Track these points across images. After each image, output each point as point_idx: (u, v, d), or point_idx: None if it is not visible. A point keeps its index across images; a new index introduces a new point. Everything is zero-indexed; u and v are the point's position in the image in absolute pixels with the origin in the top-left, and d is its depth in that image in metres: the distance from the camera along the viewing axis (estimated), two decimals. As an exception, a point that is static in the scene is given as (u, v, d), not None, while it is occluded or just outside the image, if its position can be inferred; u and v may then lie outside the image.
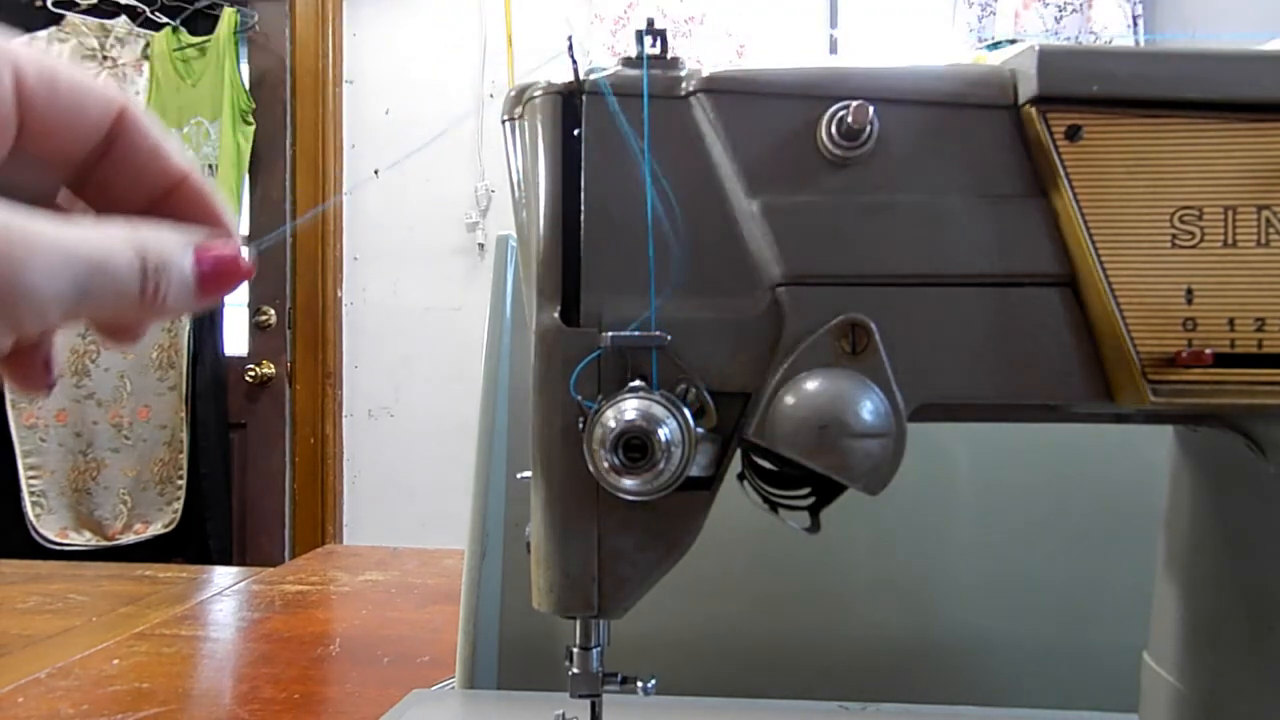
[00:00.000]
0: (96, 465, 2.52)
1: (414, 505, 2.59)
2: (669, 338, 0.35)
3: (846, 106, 0.35)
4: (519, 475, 0.46)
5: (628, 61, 0.37)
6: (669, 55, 0.37)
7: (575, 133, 0.37)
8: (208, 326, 2.55)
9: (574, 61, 0.36)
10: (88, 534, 2.53)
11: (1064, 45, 0.35)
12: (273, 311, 2.61)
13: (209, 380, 2.55)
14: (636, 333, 0.35)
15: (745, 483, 0.41)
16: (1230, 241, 0.34)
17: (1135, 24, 2.21)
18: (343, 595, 1.01)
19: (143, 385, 2.50)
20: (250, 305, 2.63)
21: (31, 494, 2.46)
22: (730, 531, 0.54)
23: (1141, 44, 2.08)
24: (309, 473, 2.62)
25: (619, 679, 0.41)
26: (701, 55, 2.36)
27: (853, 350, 0.35)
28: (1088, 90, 0.34)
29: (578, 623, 0.40)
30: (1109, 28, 2.18)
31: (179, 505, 2.56)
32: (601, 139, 0.37)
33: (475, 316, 2.54)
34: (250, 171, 2.56)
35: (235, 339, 2.64)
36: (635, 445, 0.34)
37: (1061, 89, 0.34)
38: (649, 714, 0.57)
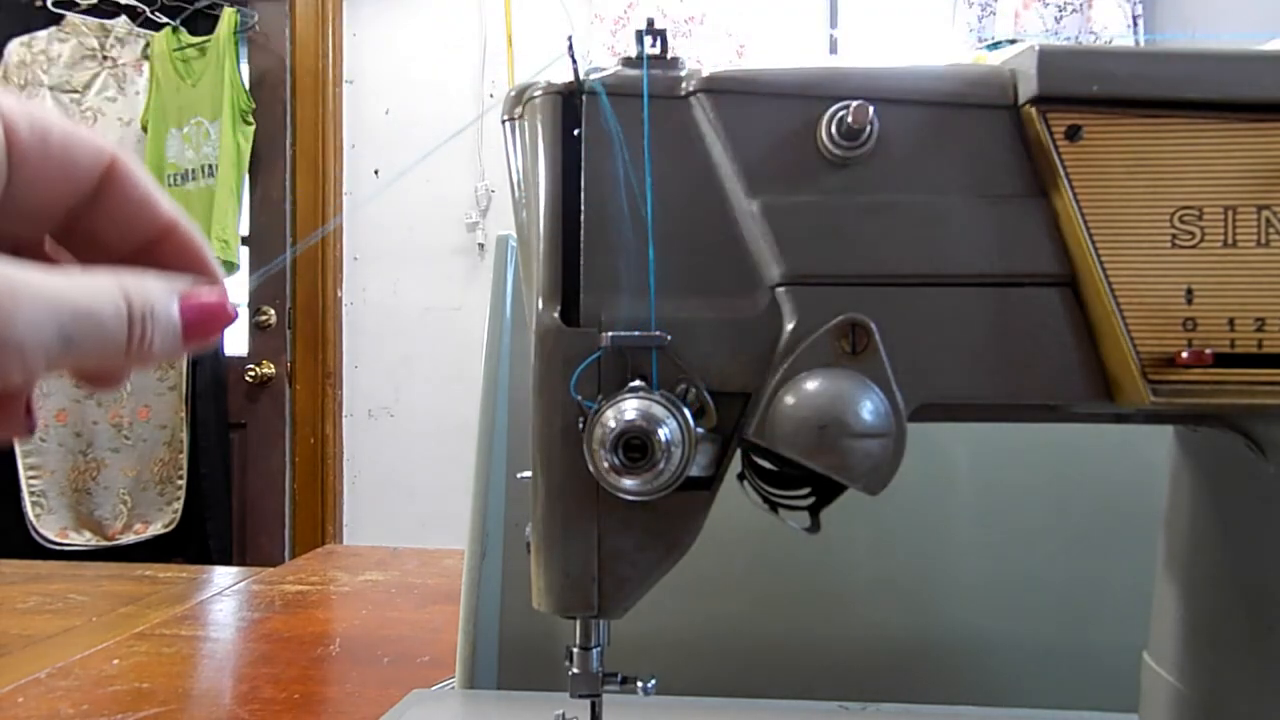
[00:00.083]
0: (96, 465, 2.52)
1: (414, 505, 2.59)
2: (669, 338, 0.35)
3: (846, 106, 0.35)
4: (519, 475, 0.46)
5: (628, 61, 0.37)
6: (669, 55, 0.37)
7: (575, 133, 0.37)
8: (208, 327, 2.55)
9: (574, 61, 0.37)
10: (88, 534, 2.53)
11: (1064, 45, 0.35)
12: (273, 311, 2.61)
13: (209, 380, 2.55)
14: (636, 333, 0.35)
15: (745, 483, 0.41)
16: (1230, 241, 0.34)
17: (1135, 24, 2.21)
18: (343, 595, 1.01)
19: (142, 385, 2.50)
20: (250, 305, 2.63)
21: (31, 494, 2.46)
22: (730, 531, 0.54)
23: (1141, 44, 2.08)
24: (309, 473, 2.62)
25: (619, 679, 0.41)
26: (701, 55, 2.36)
27: (853, 350, 0.35)
28: (1088, 90, 0.34)
29: (578, 623, 0.40)
30: (1109, 28, 2.18)
31: (179, 505, 2.56)
32: (601, 139, 0.37)
33: (475, 316, 2.54)
34: (250, 171, 2.56)
35: (235, 339, 2.64)
36: (635, 445, 0.34)
37: (1061, 89, 0.34)
38: (649, 714, 0.57)
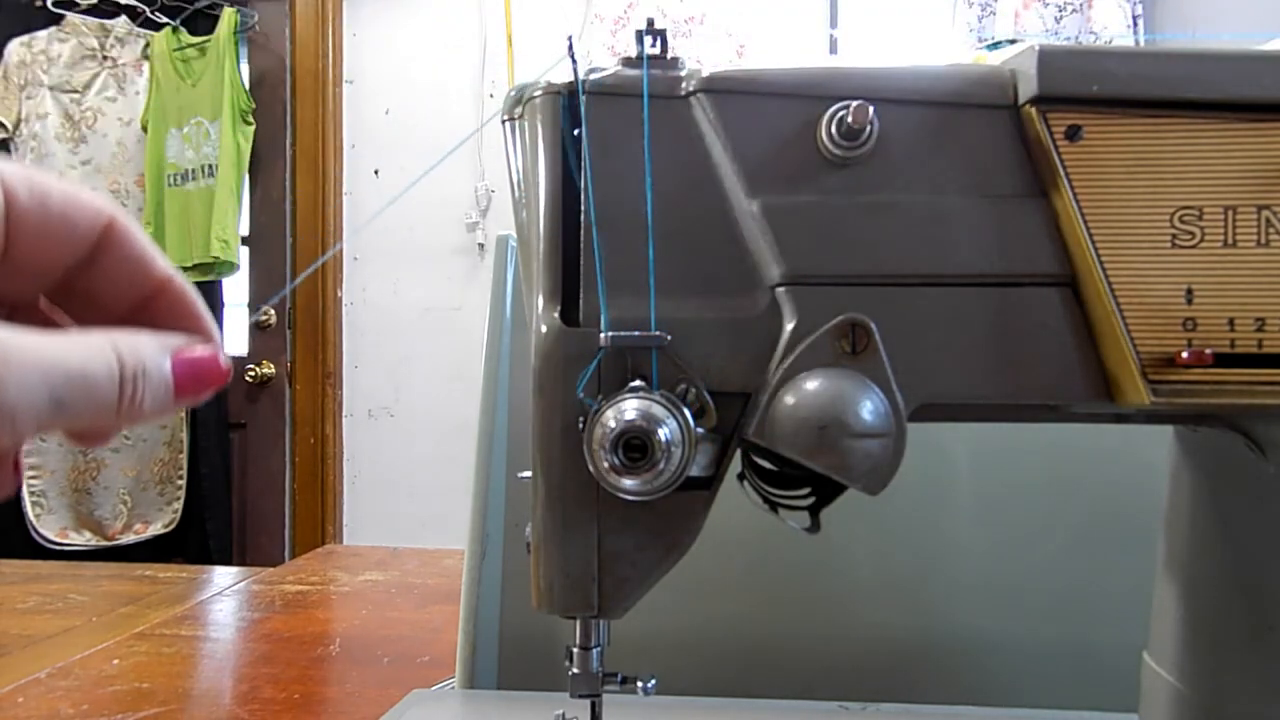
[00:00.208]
0: (96, 465, 2.52)
1: (414, 505, 2.59)
2: (669, 338, 0.35)
3: (846, 106, 0.35)
4: (519, 475, 0.46)
5: (628, 61, 0.37)
6: (669, 55, 0.37)
7: (575, 133, 0.37)
8: (208, 326, 2.55)
9: (574, 62, 0.37)
10: (88, 534, 2.53)
11: (1064, 45, 0.35)
12: (273, 311, 2.61)
13: (209, 380, 2.54)
14: (636, 333, 0.35)
15: (745, 483, 0.41)
16: (1230, 241, 0.34)
17: (1135, 24, 2.21)
18: (343, 595, 1.01)
19: (143, 385, 2.50)
20: (250, 305, 2.63)
21: (31, 494, 2.46)
22: (730, 531, 0.54)
23: (1141, 44, 2.08)
24: (309, 473, 2.62)
25: (619, 679, 0.41)
26: (701, 55, 2.36)
27: (853, 350, 0.35)
28: (1088, 90, 0.34)
29: (578, 623, 0.40)
30: (1109, 28, 2.18)
31: (179, 505, 2.56)
32: (601, 139, 0.37)
33: (475, 316, 2.54)
34: (250, 171, 2.56)
35: (235, 339, 2.64)
36: (635, 445, 0.34)
37: (1061, 89, 0.34)
38: (649, 714, 0.57)
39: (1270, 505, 0.37)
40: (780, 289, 0.36)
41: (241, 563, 2.55)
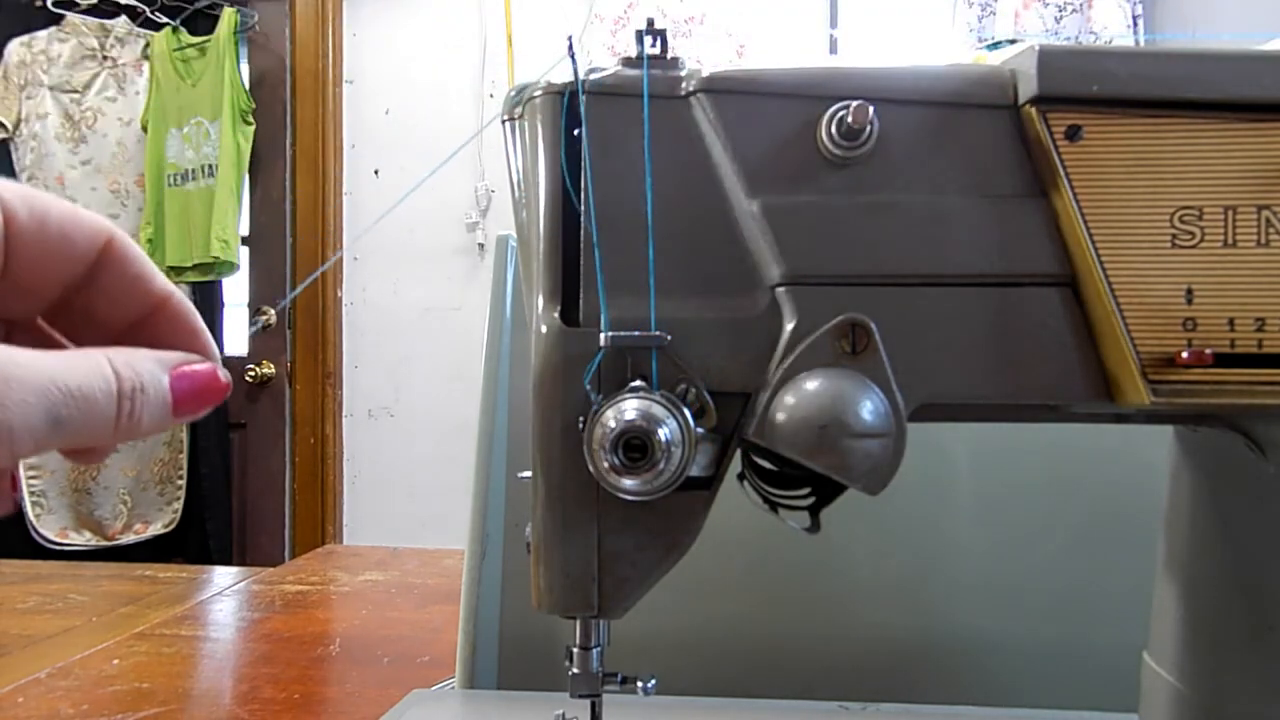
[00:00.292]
0: (96, 465, 2.52)
1: (414, 505, 2.60)
2: (669, 338, 0.35)
3: (846, 106, 0.35)
4: (519, 475, 0.46)
5: (628, 61, 0.37)
6: (669, 55, 0.37)
7: (575, 133, 0.37)
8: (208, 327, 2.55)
9: (574, 62, 0.37)
10: (88, 534, 2.53)
11: (1064, 45, 0.35)
12: (272, 312, 2.61)
13: (209, 380, 2.54)
14: (636, 333, 0.35)
15: (745, 483, 0.41)
16: (1230, 241, 0.34)
17: (1135, 24, 2.21)
18: (343, 595, 1.01)
19: (143, 385, 2.50)
20: (250, 305, 2.63)
21: (31, 494, 2.46)
22: (730, 531, 0.54)
23: (1141, 44, 2.08)
24: (309, 473, 2.62)
25: (619, 679, 0.41)
26: (701, 55, 2.36)
27: (853, 350, 0.35)
28: (1088, 90, 0.34)
29: (578, 623, 0.40)
30: (1109, 28, 2.18)
31: (179, 505, 2.56)
32: (601, 139, 0.37)
33: (475, 316, 2.54)
34: (250, 171, 2.56)
35: (235, 339, 2.64)
36: (635, 445, 0.34)
37: (1061, 89, 0.34)
38: (649, 714, 0.57)
39: (1270, 505, 0.37)
40: (780, 289, 0.36)
41: (241, 563, 2.55)
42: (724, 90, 0.36)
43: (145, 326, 0.32)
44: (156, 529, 2.55)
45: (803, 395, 0.34)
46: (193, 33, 2.53)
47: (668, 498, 0.35)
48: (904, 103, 0.36)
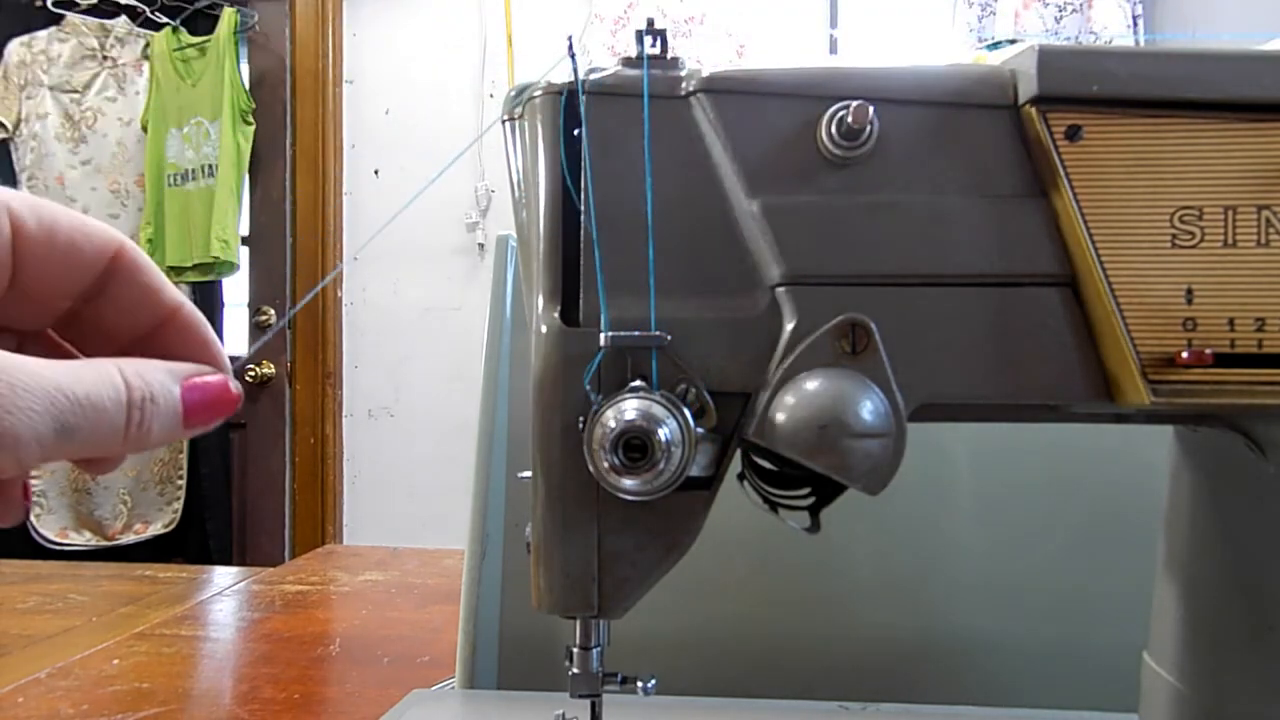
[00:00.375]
0: (96, 465, 2.51)
1: (414, 505, 2.60)
2: (669, 338, 0.35)
3: (846, 106, 0.35)
4: (519, 475, 0.46)
5: (628, 61, 0.37)
6: (669, 55, 0.37)
7: (575, 133, 0.37)
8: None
9: (574, 62, 0.37)
10: (88, 534, 2.53)
11: (1064, 45, 0.35)
12: (273, 311, 2.61)
13: (209, 380, 2.54)
14: (636, 333, 0.35)
15: (745, 483, 0.41)
16: (1230, 241, 0.34)
17: (1135, 24, 2.21)
18: (343, 595, 1.01)
19: (143, 385, 2.50)
20: (250, 305, 2.63)
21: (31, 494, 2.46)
22: (730, 531, 0.54)
23: (1141, 44, 2.08)
24: (309, 473, 2.62)
25: (619, 679, 0.41)
26: (701, 55, 2.36)
27: (853, 350, 0.35)
28: (1088, 90, 0.34)
29: (578, 623, 0.40)
30: (1109, 28, 2.18)
31: (179, 505, 2.56)
32: (601, 139, 0.37)
33: (475, 316, 2.54)
34: (250, 171, 2.56)
35: (235, 339, 2.64)
36: (635, 445, 0.34)
37: (1061, 89, 0.34)
38: (649, 714, 0.57)
39: (1270, 505, 0.37)
40: (780, 289, 0.36)
41: (241, 563, 2.55)
42: (724, 90, 0.36)
43: (156, 337, 0.32)
44: (156, 529, 2.55)
45: (803, 395, 0.34)
46: (193, 33, 2.53)
47: (668, 498, 0.35)
48: (904, 103, 0.36)
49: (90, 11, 2.52)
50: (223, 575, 1.11)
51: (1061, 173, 0.34)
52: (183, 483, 2.55)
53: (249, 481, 2.64)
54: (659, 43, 0.37)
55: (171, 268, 2.44)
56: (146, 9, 2.53)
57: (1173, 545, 0.42)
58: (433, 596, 0.99)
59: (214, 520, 2.57)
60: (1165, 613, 0.42)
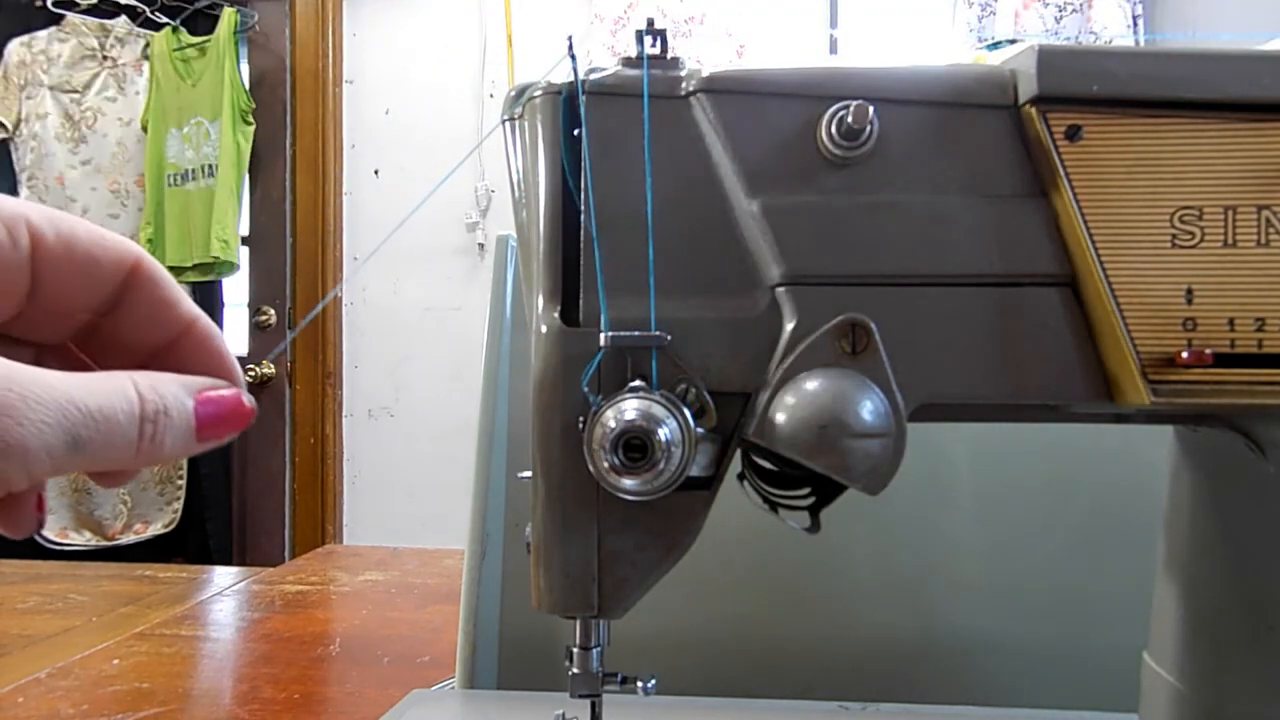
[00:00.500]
0: (96, 465, 2.51)
1: (414, 505, 2.60)
2: (669, 338, 0.35)
3: (846, 106, 0.35)
4: (519, 475, 0.46)
5: (628, 61, 0.37)
6: (669, 55, 0.37)
7: (575, 133, 0.37)
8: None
9: (574, 62, 0.37)
10: (88, 534, 2.53)
11: (1064, 45, 0.35)
12: (273, 311, 2.61)
13: (209, 380, 2.54)
14: (636, 333, 0.35)
15: (745, 483, 0.41)
16: (1230, 241, 0.34)
17: (1135, 24, 2.21)
18: (343, 595, 1.01)
19: (143, 385, 2.50)
20: (250, 305, 2.63)
21: (31, 494, 2.46)
22: (730, 531, 0.54)
23: (1141, 44, 2.08)
24: (309, 473, 2.62)
25: (619, 679, 0.41)
26: (701, 55, 2.36)
27: (853, 350, 0.35)
28: (1088, 90, 0.34)
29: (578, 623, 0.40)
30: (1109, 28, 2.18)
31: (179, 505, 2.56)
32: (601, 139, 0.37)
33: (475, 316, 2.54)
34: (250, 171, 2.56)
35: (235, 339, 2.64)
36: (635, 445, 0.34)
37: (1061, 89, 0.34)
38: (649, 714, 0.57)
39: (1270, 505, 0.37)
40: (780, 289, 0.36)
41: (241, 563, 2.55)
42: (724, 90, 0.36)
43: (171, 351, 0.32)
44: (156, 529, 2.55)
45: (803, 395, 0.34)
46: (193, 33, 2.53)
47: (668, 498, 0.35)
48: (904, 103, 0.36)
49: (90, 11, 2.52)
50: (223, 575, 1.11)
51: (1061, 173, 0.34)
52: (183, 483, 2.55)
53: (249, 481, 2.64)
54: (659, 43, 0.37)
55: (171, 268, 2.43)
56: (146, 9, 2.53)
57: (1173, 545, 0.42)
58: (433, 596, 0.99)
59: (214, 520, 2.57)
60: (1165, 613, 0.42)
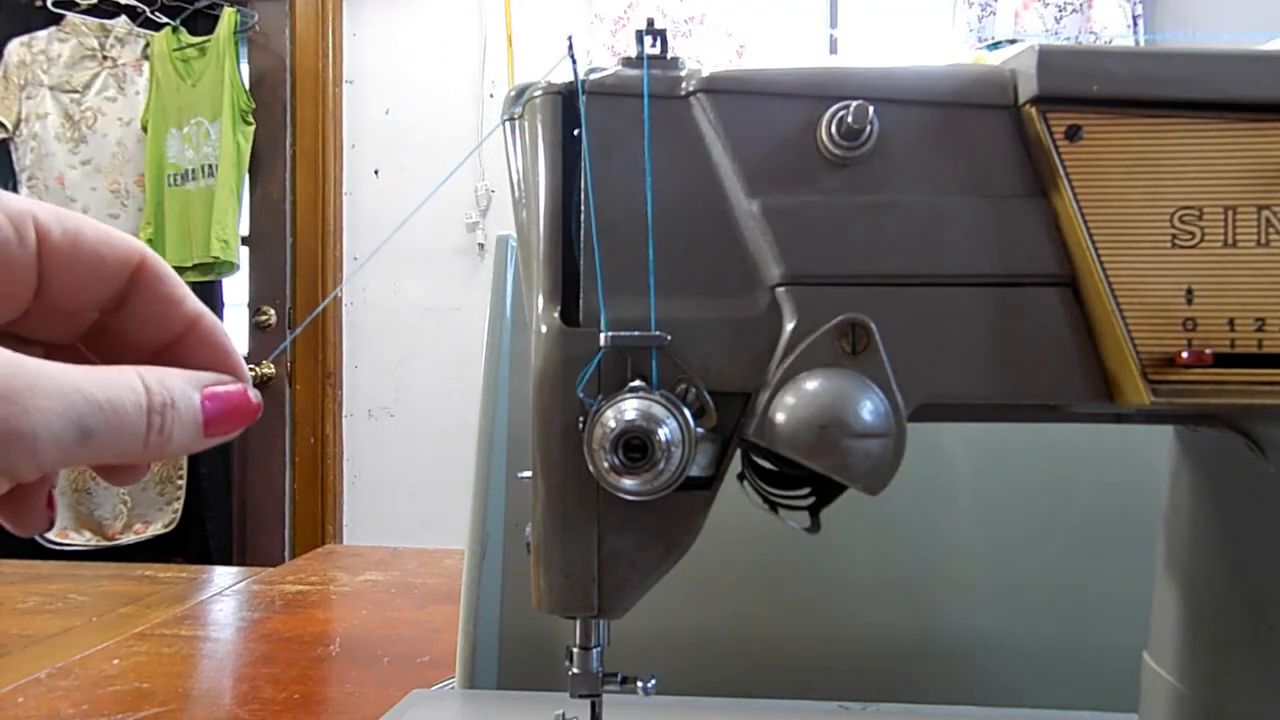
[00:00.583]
0: (96, 465, 2.51)
1: (414, 505, 2.60)
2: (669, 338, 0.35)
3: (846, 106, 0.35)
4: (519, 475, 0.46)
5: (628, 61, 0.37)
6: (669, 55, 0.37)
7: (575, 133, 0.37)
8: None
9: (574, 62, 0.37)
10: (88, 534, 2.53)
11: (1064, 45, 0.35)
12: (273, 311, 2.61)
13: (209, 380, 2.55)
14: (636, 333, 0.35)
15: (745, 483, 0.41)
16: (1230, 241, 0.34)
17: (1135, 24, 2.21)
18: (343, 595, 1.01)
19: (143, 385, 2.50)
20: (250, 305, 2.63)
21: (31, 494, 2.46)
22: (730, 531, 0.54)
23: (1141, 44, 2.08)
24: (309, 473, 2.62)
25: (619, 679, 0.41)
26: (701, 55, 2.36)
27: (853, 350, 0.35)
28: (1088, 90, 0.34)
29: (578, 623, 0.40)
30: (1109, 28, 2.18)
31: (179, 505, 2.56)
32: (601, 139, 0.37)
33: (475, 316, 2.54)
34: (250, 171, 2.56)
35: (235, 339, 2.64)
36: (635, 445, 0.34)
37: (1061, 89, 0.34)
38: (649, 714, 0.57)
39: (1270, 505, 0.37)
40: (780, 289, 0.36)
41: (241, 563, 2.55)
42: (724, 90, 0.36)
43: (176, 348, 0.32)
44: (156, 529, 2.55)
45: (803, 395, 0.34)
46: (193, 33, 2.53)
47: (668, 498, 0.35)
48: (904, 103, 0.36)
49: (90, 11, 2.52)
50: (223, 575, 1.11)
51: (1061, 173, 0.34)
52: (183, 482, 2.55)
53: (249, 481, 2.64)
54: (659, 43, 0.37)
55: (172, 268, 2.43)
56: (146, 9, 2.53)
57: (1173, 545, 0.42)
58: (433, 596, 0.99)
59: (214, 520, 2.57)
60: (1165, 613, 0.42)
